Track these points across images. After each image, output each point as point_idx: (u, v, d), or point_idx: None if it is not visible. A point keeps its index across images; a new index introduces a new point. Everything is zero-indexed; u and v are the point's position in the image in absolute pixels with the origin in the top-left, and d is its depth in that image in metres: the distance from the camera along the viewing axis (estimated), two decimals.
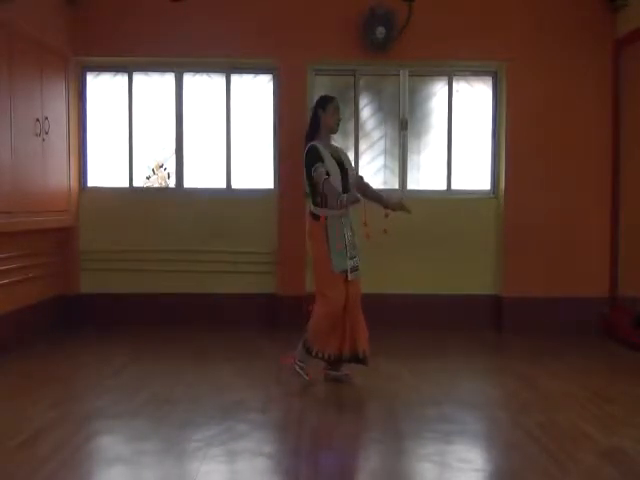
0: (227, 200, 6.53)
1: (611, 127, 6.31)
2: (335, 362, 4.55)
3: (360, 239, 4.62)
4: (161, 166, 6.67)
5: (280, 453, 3.38)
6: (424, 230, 6.44)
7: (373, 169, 6.63)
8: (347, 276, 4.42)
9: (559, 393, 4.38)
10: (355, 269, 4.47)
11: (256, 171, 6.62)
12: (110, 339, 5.92)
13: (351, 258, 4.44)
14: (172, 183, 6.65)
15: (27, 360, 5.10)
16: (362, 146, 6.60)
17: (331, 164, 4.44)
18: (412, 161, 6.62)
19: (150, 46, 6.31)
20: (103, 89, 6.61)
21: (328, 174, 4.34)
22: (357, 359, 4.51)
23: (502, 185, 6.44)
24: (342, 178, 4.46)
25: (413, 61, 6.44)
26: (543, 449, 3.34)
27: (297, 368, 4.56)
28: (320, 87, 6.57)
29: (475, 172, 6.62)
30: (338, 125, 4.61)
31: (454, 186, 6.58)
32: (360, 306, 4.52)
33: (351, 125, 6.56)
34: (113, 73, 6.59)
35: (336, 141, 6.46)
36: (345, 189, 4.43)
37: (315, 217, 4.49)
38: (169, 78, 6.59)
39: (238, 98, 6.60)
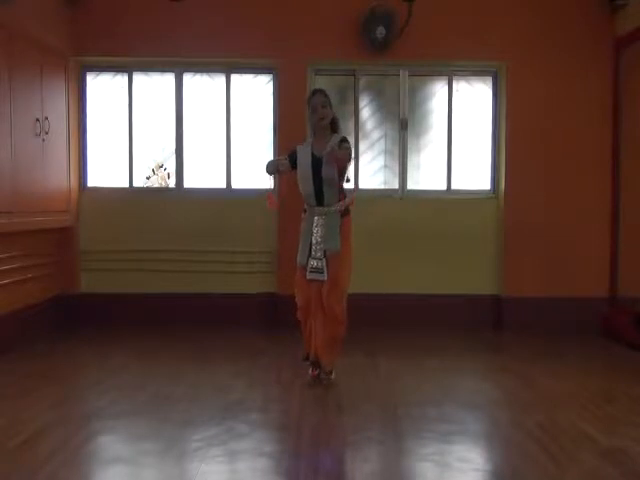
0: (227, 200, 6.53)
1: (611, 127, 6.31)
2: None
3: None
4: (161, 166, 6.68)
5: (280, 453, 3.38)
6: (424, 230, 6.44)
7: (373, 169, 6.63)
8: (306, 274, 4.38)
9: (559, 393, 4.38)
10: (315, 270, 4.34)
11: (256, 171, 6.62)
12: (110, 339, 5.92)
13: (313, 258, 4.35)
14: (172, 183, 6.65)
15: (27, 360, 5.10)
16: (362, 146, 6.60)
17: (304, 161, 4.42)
18: (412, 161, 6.62)
19: (150, 46, 6.31)
20: (103, 89, 6.61)
21: (293, 167, 4.46)
22: (309, 359, 4.51)
23: (502, 185, 6.44)
24: (315, 175, 4.36)
25: (413, 61, 6.44)
26: (543, 449, 3.34)
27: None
28: (320, 87, 6.56)
29: (475, 172, 6.62)
30: (321, 120, 4.40)
31: (454, 186, 6.58)
32: (322, 313, 4.37)
33: (351, 125, 6.56)
34: (113, 73, 6.59)
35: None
36: (318, 191, 4.37)
37: (304, 211, 4.55)
38: (169, 78, 6.59)
39: (238, 98, 6.60)
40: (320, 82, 6.55)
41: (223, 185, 6.59)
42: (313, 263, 4.35)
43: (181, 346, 5.67)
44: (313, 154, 4.42)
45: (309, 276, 4.37)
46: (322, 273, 4.34)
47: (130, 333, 6.08)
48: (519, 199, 6.36)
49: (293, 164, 4.49)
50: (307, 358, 4.55)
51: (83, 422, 3.73)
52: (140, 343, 5.75)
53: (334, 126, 4.51)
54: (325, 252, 4.36)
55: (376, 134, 6.64)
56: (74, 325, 6.32)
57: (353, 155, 4.40)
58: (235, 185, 6.60)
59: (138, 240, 6.48)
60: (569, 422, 3.75)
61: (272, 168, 4.45)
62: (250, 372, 4.83)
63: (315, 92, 4.50)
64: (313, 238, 4.38)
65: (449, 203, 6.51)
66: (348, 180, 4.53)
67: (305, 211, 4.52)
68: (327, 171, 4.33)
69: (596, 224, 6.36)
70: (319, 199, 4.40)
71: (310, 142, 4.55)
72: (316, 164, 4.37)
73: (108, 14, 6.30)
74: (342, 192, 4.49)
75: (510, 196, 6.38)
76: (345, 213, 4.49)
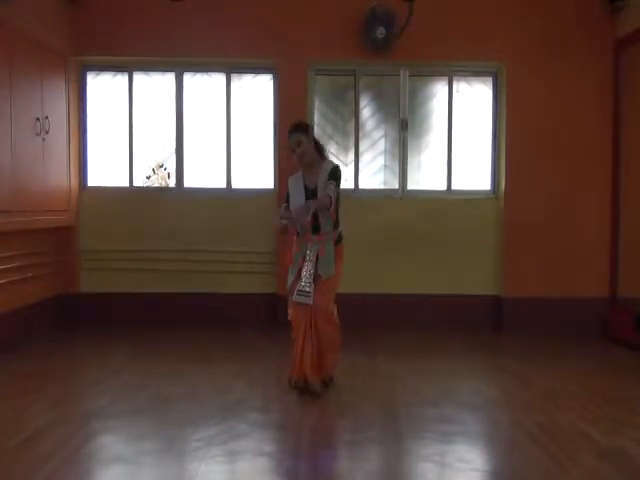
0: (227, 200, 6.53)
1: (611, 127, 6.31)
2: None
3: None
4: (161, 166, 6.68)
5: (280, 453, 3.38)
6: (424, 230, 6.44)
7: (373, 169, 6.63)
8: (293, 296, 4.30)
9: (559, 393, 4.38)
10: (302, 294, 4.25)
11: (256, 171, 6.62)
12: (110, 339, 5.92)
13: (301, 282, 4.26)
14: (172, 183, 6.65)
15: (27, 360, 5.10)
16: (362, 146, 6.60)
17: (297, 193, 4.37)
18: (412, 161, 6.62)
19: (150, 46, 6.31)
20: (103, 89, 6.62)
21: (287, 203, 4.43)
22: (300, 387, 4.33)
23: (502, 185, 6.44)
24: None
25: (413, 61, 6.44)
26: (543, 449, 3.34)
27: None
28: (320, 87, 6.58)
29: (475, 172, 6.62)
30: (301, 158, 4.33)
31: (454, 186, 6.58)
32: (310, 335, 4.26)
33: (351, 125, 6.57)
34: (113, 73, 6.60)
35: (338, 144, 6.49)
36: (314, 220, 4.30)
37: (296, 234, 4.44)
38: (169, 78, 6.59)
39: (238, 98, 6.60)
40: (320, 82, 6.56)
41: (223, 185, 6.59)
42: (301, 287, 4.26)
43: (181, 346, 5.67)
44: (306, 186, 4.37)
45: (296, 298, 4.30)
46: (309, 297, 4.25)
47: (130, 333, 6.08)
48: (519, 199, 6.36)
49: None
50: (295, 384, 4.35)
51: (83, 422, 3.73)
52: (140, 343, 5.75)
53: (320, 151, 4.44)
54: (314, 278, 4.28)
55: (376, 134, 6.63)
56: (74, 325, 6.32)
57: (339, 191, 4.33)
58: (235, 185, 6.60)
59: (138, 240, 6.48)
60: (569, 422, 3.76)
61: (279, 226, 4.33)
62: (250, 372, 4.83)
63: (289, 132, 4.38)
64: (306, 263, 4.30)
65: (449, 203, 6.51)
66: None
67: (298, 234, 4.42)
68: (322, 203, 4.24)
69: (596, 224, 6.36)
70: (314, 228, 4.34)
71: (301, 174, 4.45)
72: (309, 196, 4.31)
73: (108, 14, 6.30)
74: (337, 220, 4.42)
75: (510, 196, 6.38)
76: (338, 241, 4.42)
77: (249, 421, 3.74)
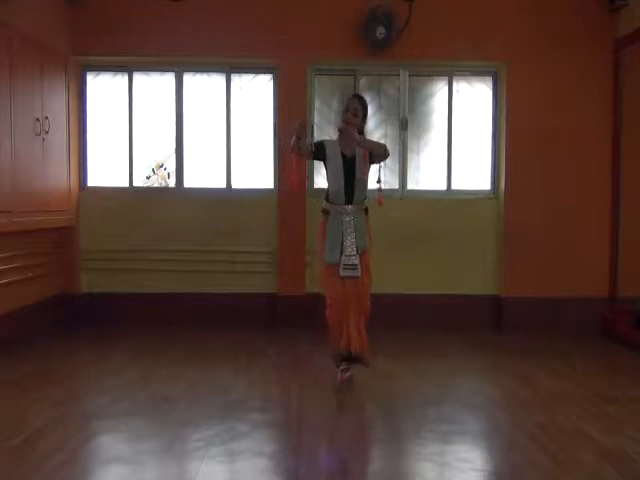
0: (227, 200, 6.53)
1: (611, 127, 6.31)
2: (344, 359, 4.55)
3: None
4: (161, 166, 6.68)
5: (280, 453, 3.39)
6: (424, 230, 6.45)
7: (373, 169, 6.58)
8: (340, 271, 4.41)
9: (559, 393, 4.38)
10: (349, 268, 4.40)
11: (256, 171, 6.62)
12: (110, 339, 5.91)
13: (347, 255, 4.41)
14: (172, 183, 6.65)
15: (27, 360, 5.09)
16: None
17: (335, 159, 4.51)
18: (412, 161, 6.62)
19: (150, 46, 6.31)
20: (103, 89, 6.61)
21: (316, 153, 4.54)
22: (350, 357, 4.51)
23: (502, 185, 6.44)
24: (346, 174, 4.48)
25: (413, 61, 6.44)
26: (543, 449, 3.34)
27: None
28: (320, 87, 6.58)
29: (475, 172, 6.63)
30: (347, 122, 4.48)
31: (454, 186, 6.58)
32: (357, 308, 4.45)
33: None
34: (113, 73, 6.59)
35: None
36: (348, 184, 4.47)
37: (323, 212, 4.59)
38: (169, 78, 6.59)
39: (238, 98, 6.60)
40: (320, 82, 6.56)
41: (223, 185, 6.59)
42: (348, 260, 4.40)
43: (181, 346, 5.66)
44: (343, 154, 4.51)
45: (344, 273, 4.41)
46: (356, 270, 4.41)
47: (130, 333, 6.08)
48: (519, 199, 6.36)
49: (315, 154, 4.56)
50: (344, 358, 4.50)
51: (83, 422, 3.73)
52: (140, 343, 5.75)
53: (360, 133, 4.57)
54: (357, 249, 4.44)
55: (376, 134, 6.62)
56: (74, 325, 6.32)
57: (387, 151, 4.60)
58: (235, 185, 6.60)
59: (138, 240, 6.48)
60: (569, 422, 3.75)
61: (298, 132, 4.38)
62: (250, 372, 4.83)
63: (352, 96, 4.65)
64: (345, 236, 4.43)
65: (449, 203, 6.51)
66: (380, 181, 4.63)
67: (325, 212, 4.56)
68: (360, 170, 4.48)
69: (596, 224, 6.36)
70: (348, 197, 4.49)
71: (337, 142, 4.58)
72: (347, 163, 4.49)
73: (108, 14, 6.30)
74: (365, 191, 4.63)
75: (510, 196, 6.38)
76: (366, 212, 4.62)
77: (249, 421, 3.74)
